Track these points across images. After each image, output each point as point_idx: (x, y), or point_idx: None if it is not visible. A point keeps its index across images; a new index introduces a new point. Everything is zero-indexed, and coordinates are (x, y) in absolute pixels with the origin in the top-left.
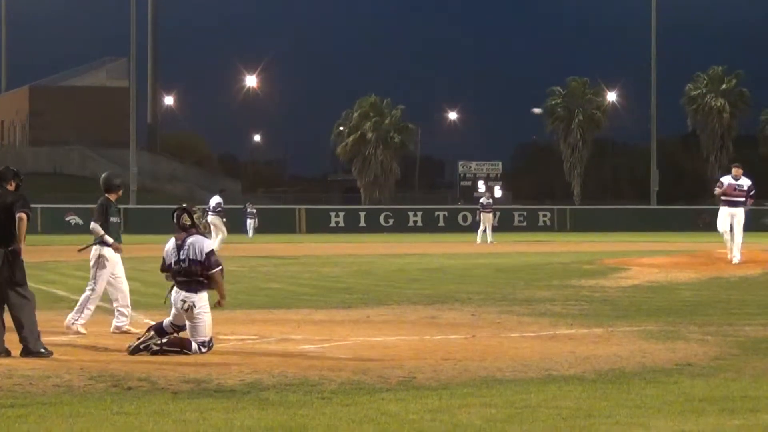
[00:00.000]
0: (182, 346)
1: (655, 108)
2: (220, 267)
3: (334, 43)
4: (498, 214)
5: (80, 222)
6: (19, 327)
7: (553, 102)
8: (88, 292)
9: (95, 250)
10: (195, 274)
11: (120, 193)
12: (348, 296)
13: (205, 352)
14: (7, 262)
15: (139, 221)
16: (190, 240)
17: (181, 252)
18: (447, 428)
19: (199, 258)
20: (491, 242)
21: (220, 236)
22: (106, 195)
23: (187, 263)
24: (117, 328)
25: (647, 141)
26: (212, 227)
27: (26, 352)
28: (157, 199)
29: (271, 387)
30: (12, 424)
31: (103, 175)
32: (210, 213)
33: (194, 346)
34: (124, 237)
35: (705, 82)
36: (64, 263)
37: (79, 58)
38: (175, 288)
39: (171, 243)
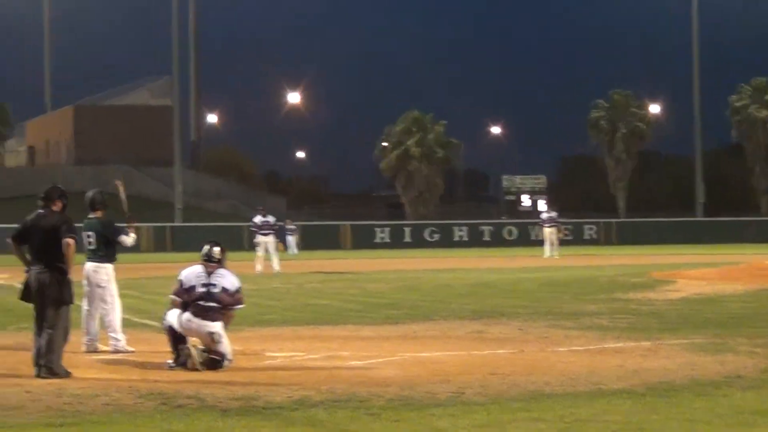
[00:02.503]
0: (222, 357)
1: (699, 119)
2: (243, 306)
3: (376, 59)
4: (561, 228)
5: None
6: (49, 348)
7: (597, 115)
8: (111, 314)
9: (105, 267)
10: (220, 302)
11: (105, 210)
12: (394, 312)
13: (229, 364)
14: (55, 281)
15: (184, 239)
16: (222, 271)
17: (212, 277)
18: None
19: (230, 289)
20: (550, 256)
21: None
22: (91, 213)
23: (218, 289)
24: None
25: (692, 152)
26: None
27: (49, 373)
28: (202, 217)
29: (320, 404)
30: None
31: (88, 194)
32: (273, 231)
33: (226, 363)
34: (172, 255)
35: (749, 92)
36: None
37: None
38: (189, 314)
39: (197, 268)
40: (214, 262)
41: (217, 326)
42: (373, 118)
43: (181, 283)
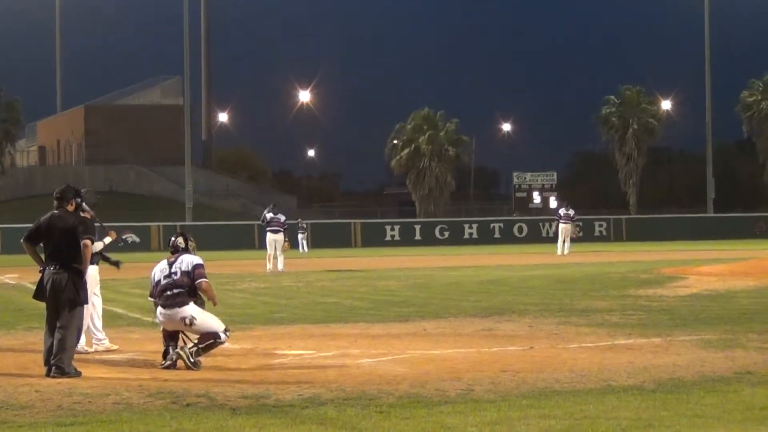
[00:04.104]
0: (214, 338)
1: (710, 116)
2: (206, 280)
3: (386, 57)
4: (580, 225)
5: (137, 240)
6: (61, 347)
7: (608, 111)
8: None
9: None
10: (183, 285)
11: (94, 211)
12: (404, 309)
13: (229, 335)
14: (71, 281)
15: (195, 238)
16: (182, 256)
17: (173, 267)
18: None
19: (188, 270)
20: (562, 254)
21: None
22: (81, 213)
23: (178, 275)
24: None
25: (703, 148)
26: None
27: (60, 373)
28: (213, 216)
29: (329, 402)
30: None
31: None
32: (283, 229)
33: (222, 337)
34: None
35: (760, 88)
36: (122, 281)
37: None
38: (160, 308)
39: (162, 263)
40: (177, 251)
41: (186, 311)
42: (384, 116)
43: (151, 281)
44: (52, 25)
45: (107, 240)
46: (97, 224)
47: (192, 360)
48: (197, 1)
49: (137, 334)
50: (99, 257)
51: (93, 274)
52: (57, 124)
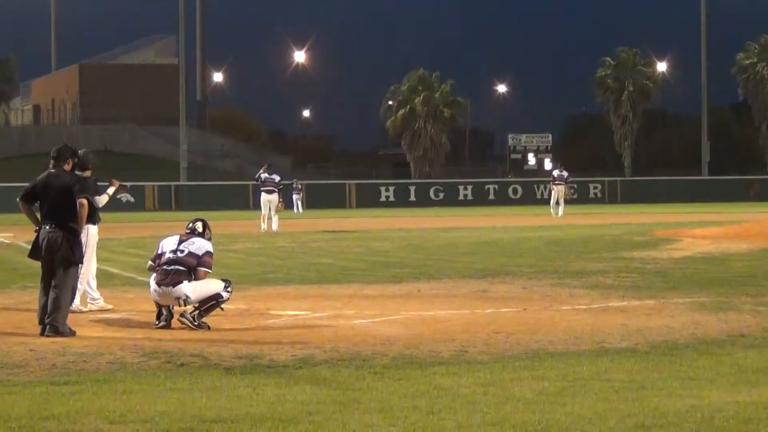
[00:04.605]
0: (215, 299)
1: (705, 78)
2: (208, 271)
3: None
4: (574, 187)
5: (132, 200)
6: (55, 307)
7: (603, 73)
8: (92, 279)
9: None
10: (185, 264)
11: (94, 171)
12: (399, 271)
13: (231, 291)
14: (66, 240)
15: (190, 197)
16: (195, 239)
17: (182, 245)
18: (499, 401)
19: (197, 252)
20: (555, 215)
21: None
22: (81, 173)
23: (185, 253)
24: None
25: (698, 111)
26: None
27: (54, 332)
28: (208, 176)
29: (323, 362)
30: (67, 401)
31: (80, 153)
32: (278, 190)
33: (224, 294)
34: (176, 214)
35: (756, 50)
36: (116, 240)
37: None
38: (154, 284)
39: (173, 237)
40: (193, 234)
41: (180, 290)
42: (380, 77)
43: (157, 248)
44: None
45: (111, 190)
46: (100, 184)
47: (196, 323)
48: None
49: (132, 293)
50: (99, 216)
51: (93, 233)
52: (51, 84)
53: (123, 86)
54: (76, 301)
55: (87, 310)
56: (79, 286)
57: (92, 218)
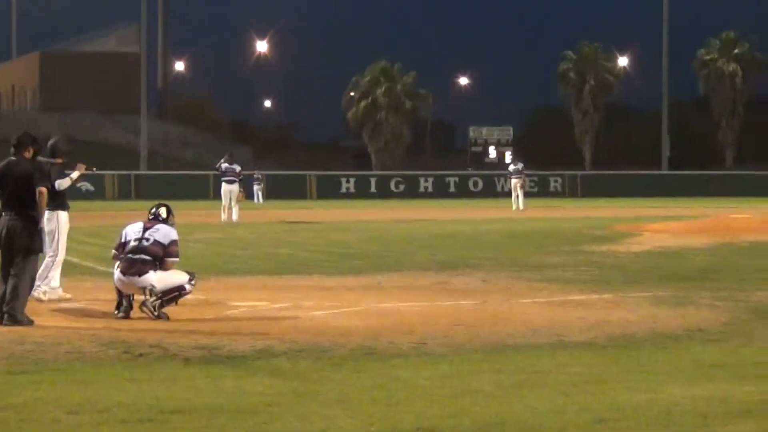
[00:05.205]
0: (178, 290)
1: (666, 73)
2: (176, 260)
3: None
4: (526, 180)
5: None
6: (14, 295)
7: (565, 67)
8: (48, 260)
9: (51, 215)
10: (151, 254)
11: (66, 159)
12: (358, 262)
13: (194, 284)
14: (26, 229)
15: (150, 187)
16: (160, 225)
17: (147, 232)
18: (457, 394)
19: (162, 241)
20: (515, 209)
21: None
22: (53, 159)
23: (150, 242)
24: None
25: (659, 106)
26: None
27: (12, 321)
28: (168, 165)
29: (282, 353)
30: (24, 390)
31: (50, 140)
32: (238, 180)
33: (187, 287)
34: (136, 203)
35: (717, 46)
36: (76, 229)
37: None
38: (119, 273)
39: (136, 224)
40: (156, 220)
41: (146, 279)
42: (342, 67)
43: (120, 236)
44: None
45: (75, 174)
46: (67, 172)
47: (156, 313)
48: None
49: (90, 283)
50: (68, 204)
51: (64, 220)
52: (12, 70)
53: (84, 74)
54: (59, 290)
55: (46, 299)
56: (53, 273)
57: (62, 205)
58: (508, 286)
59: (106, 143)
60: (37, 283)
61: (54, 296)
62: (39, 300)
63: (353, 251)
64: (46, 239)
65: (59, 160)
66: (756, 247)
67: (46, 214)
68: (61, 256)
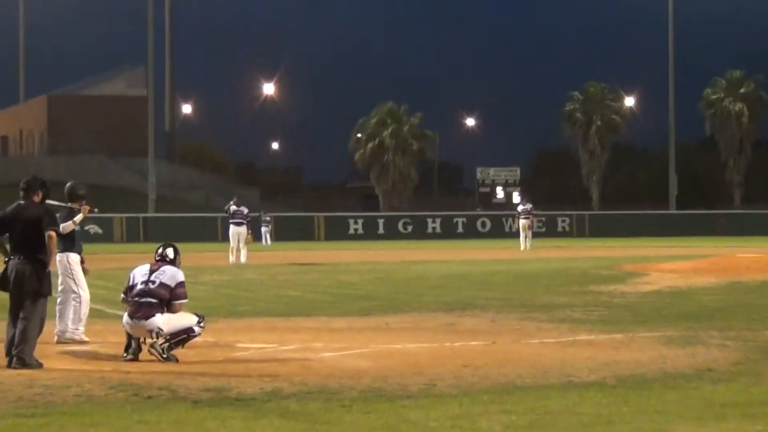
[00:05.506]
0: (187, 333)
1: (673, 113)
2: (184, 302)
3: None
4: (534, 221)
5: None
6: (23, 338)
7: (571, 107)
8: (75, 303)
9: (61, 257)
10: (158, 297)
11: (84, 202)
12: (367, 304)
13: (203, 326)
14: (35, 272)
15: (158, 230)
16: (166, 267)
17: (153, 275)
18: None
19: (169, 284)
20: (522, 249)
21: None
22: (70, 203)
23: (156, 284)
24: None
25: (665, 145)
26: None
27: (21, 364)
28: (176, 208)
29: (292, 395)
30: None
31: (68, 184)
32: (246, 222)
33: (196, 329)
34: (144, 245)
35: (723, 86)
36: None
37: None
38: (126, 316)
39: (143, 266)
40: (163, 261)
41: (153, 323)
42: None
43: (128, 279)
44: (16, 14)
45: (79, 217)
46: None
47: (165, 355)
48: None
49: (99, 325)
50: (80, 247)
51: (75, 260)
52: (19, 114)
53: (91, 117)
54: (80, 330)
55: (88, 340)
56: (82, 316)
57: (72, 247)
58: (517, 327)
59: (114, 186)
60: (74, 326)
61: (77, 337)
62: (83, 342)
63: (361, 292)
64: (71, 281)
65: (76, 205)
66: (765, 286)
67: (57, 256)
68: (86, 293)
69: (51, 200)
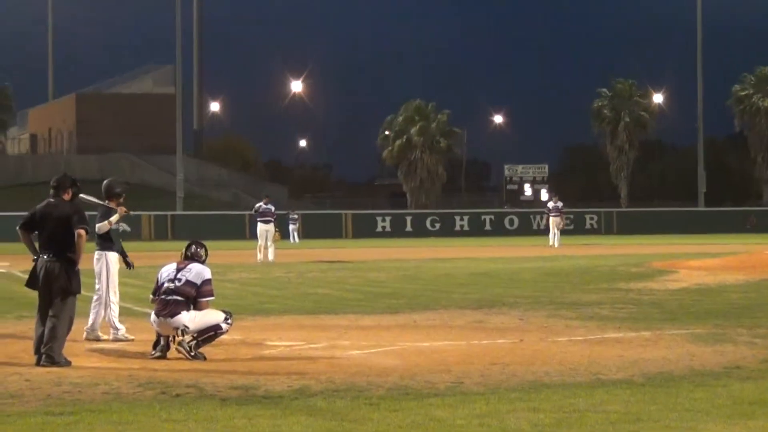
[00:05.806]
0: (214, 330)
1: (701, 109)
2: (211, 299)
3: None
4: (564, 218)
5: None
6: (52, 336)
7: (600, 104)
8: (114, 306)
9: (100, 255)
10: (184, 294)
11: (121, 200)
12: (395, 301)
13: (231, 323)
14: (64, 271)
15: (186, 227)
16: (192, 265)
17: (179, 273)
18: None
19: (195, 281)
20: (551, 245)
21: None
22: (108, 201)
23: (182, 282)
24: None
25: (694, 142)
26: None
27: (50, 362)
28: (204, 205)
29: (319, 393)
30: (62, 431)
31: (105, 182)
32: (274, 219)
33: (224, 326)
34: (172, 243)
35: (752, 82)
36: None
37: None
38: (153, 314)
39: (171, 265)
40: (192, 259)
41: (179, 320)
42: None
43: (156, 280)
44: (45, 12)
45: (114, 218)
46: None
47: (193, 353)
48: None
49: (128, 323)
50: (119, 245)
51: (113, 260)
52: (48, 113)
53: (120, 115)
54: (122, 329)
55: (132, 337)
56: (114, 317)
57: (113, 247)
58: (545, 325)
59: (142, 184)
60: (114, 330)
61: (120, 337)
62: (128, 340)
63: (389, 290)
64: (101, 280)
65: (113, 203)
66: None
67: (95, 254)
68: (115, 296)
69: (86, 195)
